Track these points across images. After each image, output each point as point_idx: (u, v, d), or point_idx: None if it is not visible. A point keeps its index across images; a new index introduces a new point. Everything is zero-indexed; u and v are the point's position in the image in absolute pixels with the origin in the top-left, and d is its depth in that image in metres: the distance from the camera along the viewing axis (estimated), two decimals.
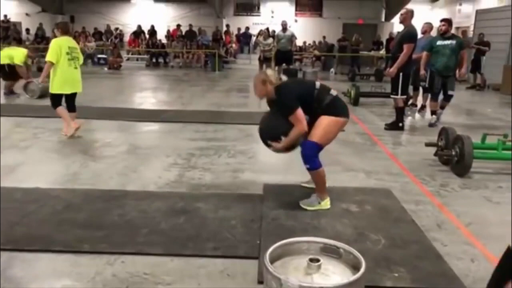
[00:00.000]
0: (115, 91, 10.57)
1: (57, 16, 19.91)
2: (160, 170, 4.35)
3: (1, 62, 8.46)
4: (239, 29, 20.25)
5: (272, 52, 12.57)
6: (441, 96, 6.97)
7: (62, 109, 5.49)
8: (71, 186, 3.81)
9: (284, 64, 11.71)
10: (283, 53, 11.61)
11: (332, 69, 16.75)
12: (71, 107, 5.55)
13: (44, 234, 2.86)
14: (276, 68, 11.45)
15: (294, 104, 3.20)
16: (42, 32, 19.75)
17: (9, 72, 8.60)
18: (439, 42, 6.80)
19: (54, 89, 5.37)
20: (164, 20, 20.47)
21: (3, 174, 4.03)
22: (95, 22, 20.21)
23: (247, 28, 20.06)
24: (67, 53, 5.30)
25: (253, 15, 21.67)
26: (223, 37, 19.19)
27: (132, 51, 18.84)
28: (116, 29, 19.89)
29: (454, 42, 6.74)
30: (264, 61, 12.87)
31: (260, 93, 3.37)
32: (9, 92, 8.79)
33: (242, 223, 3.10)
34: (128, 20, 20.85)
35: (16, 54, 8.61)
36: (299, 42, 17.10)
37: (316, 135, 3.25)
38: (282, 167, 4.46)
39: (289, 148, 3.40)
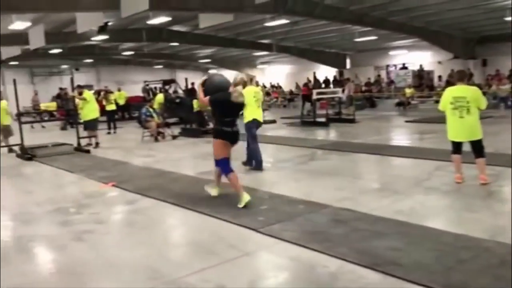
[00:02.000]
0: None
1: (468, 62, 20.07)
2: None
3: None
4: None
5: None
6: None
7: (454, 157, 5.55)
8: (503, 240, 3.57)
9: None
10: None
11: None
12: (477, 154, 5.44)
13: (479, 286, 2.81)
14: None
15: (214, 103, 4.93)
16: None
17: None
18: None
19: (448, 136, 5.55)
20: None
21: (408, 213, 4.29)
22: (509, 64, 19.00)
23: None
24: (451, 103, 5.40)
25: None
26: None
27: None
28: None
29: None
30: None
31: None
32: None
33: None
34: None
35: None
36: None
37: (214, 154, 5.02)
38: None
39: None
